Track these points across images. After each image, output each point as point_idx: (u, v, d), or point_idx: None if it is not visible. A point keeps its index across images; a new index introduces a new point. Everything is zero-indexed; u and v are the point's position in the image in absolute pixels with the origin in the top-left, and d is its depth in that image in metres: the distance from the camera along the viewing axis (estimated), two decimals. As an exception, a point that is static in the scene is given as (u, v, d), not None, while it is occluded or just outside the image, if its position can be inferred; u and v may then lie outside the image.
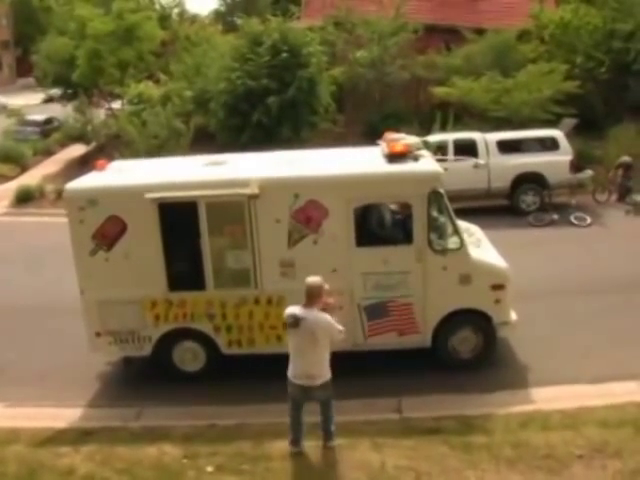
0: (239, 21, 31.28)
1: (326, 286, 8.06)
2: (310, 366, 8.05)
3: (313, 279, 8.10)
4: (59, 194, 20.72)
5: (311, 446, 8.51)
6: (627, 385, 9.67)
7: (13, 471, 8.45)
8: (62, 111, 34.85)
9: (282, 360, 10.43)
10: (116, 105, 32.72)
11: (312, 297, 8.01)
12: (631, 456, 7.94)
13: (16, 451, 8.92)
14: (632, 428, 8.50)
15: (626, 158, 19.76)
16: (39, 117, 37.32)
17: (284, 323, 10.08)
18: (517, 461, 8.02)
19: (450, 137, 19.90)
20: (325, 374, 8.12)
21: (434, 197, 9.84)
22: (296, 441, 8.43)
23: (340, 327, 8.07)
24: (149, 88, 27.78)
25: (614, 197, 19.63)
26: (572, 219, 18.03)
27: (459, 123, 23.75)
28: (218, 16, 58.03)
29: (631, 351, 10.55)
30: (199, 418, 9.52)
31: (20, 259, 17.06)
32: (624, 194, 19.46)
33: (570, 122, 21.89)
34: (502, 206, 19.35)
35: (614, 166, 19.91)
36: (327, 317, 8.00)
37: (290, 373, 8.19)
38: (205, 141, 24.39)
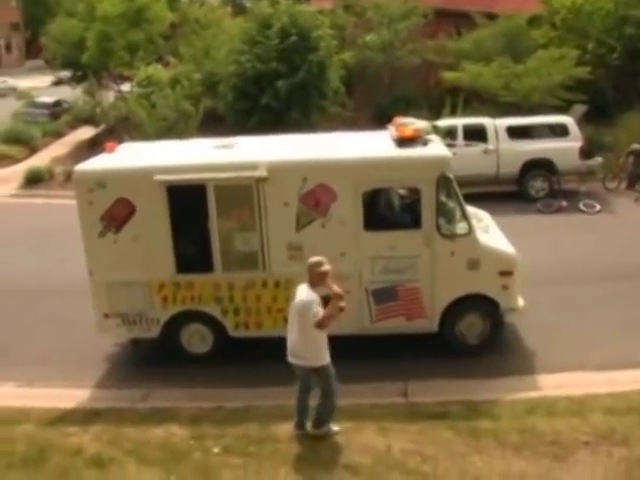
0: (248, 4, 31.19)
1: (325, 267, 7.92)
2: (293, 344, 8.10)
3: (311, 259, 8.09)
4: (68, 176, 20.74)
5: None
6: (633, 373, 9.66)
7: (22, 450, 8.52)
8: (71, 93, 34.84)
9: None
10: (125, 87, 32.69)
11: (310, 277, 7.98)
12: (637, 443, 7.94)
13: (26, 430, 8.99)
14: (638, 415, 8.49)
15: (637, 145, 19.62)
16: (48, 99, 37.34)
17: (291, 306, 10.16)
18: (523, 447, 8.03)
19: (459, 122, 19.86)
20: (311, 358, 8.04)
21: (443, 182, 9.81)
22: (300, 424, 8.47)
23: (319, 315, 7.80)
24: (158, 71, 27.73)
25: (624, 184, 19.52)
26: (581, 206, 17.96)
27: (469, 108, 23.64)
28: (227, -2, 57.77)
29: (638, 339, 10.53)
30: (206, 400, 9.57)
31: (29, 241, 17.13)
32: (634, 182, 19.35)
33: (580, 108, 21.77)
34: (511, 192, 19.26)
35: (624, 153, 19.79)
36: (308, 300, 7.86)
37: None
38: (214, 124, 24.35)
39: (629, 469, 7.54)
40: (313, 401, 8.41)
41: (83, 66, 32.28)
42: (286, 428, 8.58)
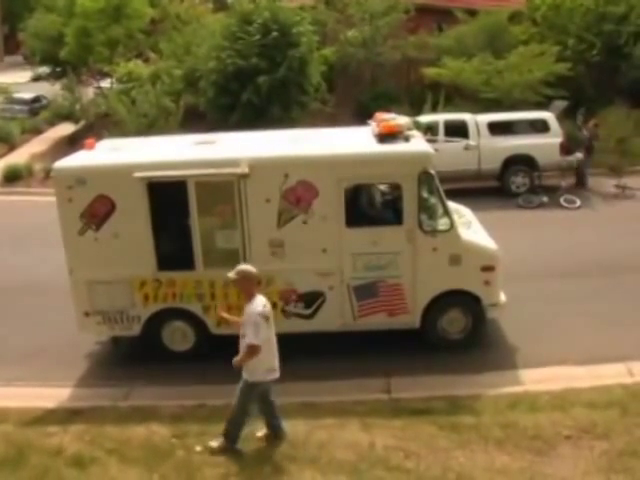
0: (229, 0, 31.02)
1: (230, 274, 7.79)
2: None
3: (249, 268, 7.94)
4: (47, 173, 20.55)
5: (300, 425, 8.52)
6: (615, 367, 9.72)
7: (1, 450, 8.41)
8: (50, 89, 34.51)
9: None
10: (105, 84, 32.41)
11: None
12: (618, 437, 8.00)
13: (4, 431, 8.89)
14: (619, 409, 8.56)
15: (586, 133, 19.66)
16: (27, 95, 36.94)
17: (273, 303, 10.13)
18: (505, 442, 8.06)
19: (441, 118, 19.91)
20: (246, 370, 7.85)
21: (425, 178, 9.81)
22: (273, 431, 8.33)
23: (235, 361, 7.77)
24: (138, 67, 27.53)
25: (572, 180, 19.46)
26: (562, 201, 18.05)
27: (450, 104, 23.70)
28: (208, -6, 57.50)
29: (619, 333, 10.61)
30: (188, 398, 9.51)
31: (7, 238, 16.95)
32: (582, 179, 19.44)
33: (560, 104, 21.87)
34: (492, 187, 19.34)
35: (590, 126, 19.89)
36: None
37: None
38: (195, 120, 24.22)
39: (610, 462, 7.58)
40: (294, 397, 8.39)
41: (62, 62, 31.93)
42: (269, 425, 8.56)
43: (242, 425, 8.08)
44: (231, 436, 8.10)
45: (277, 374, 7.99)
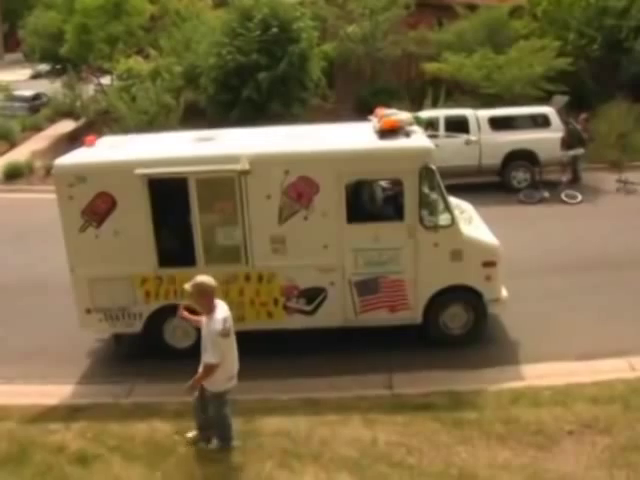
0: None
1: (186, 286, 7.56)
2: None
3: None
4: (48, 170, 20.53)
5: (302, 421, 8.53)
6: (616, 362, 9.72)
7: (4, 448, 8.42)
8: (50, 87, 34.49)
9: (273, 337, 10.47)
10: (105, 80, 32.39)
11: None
12: (620, 432, 8.00)
13: (7, 428, 8.89)
14: (621, 404, 8.56)
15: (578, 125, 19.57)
16: (27, 93, 36.94)
17: (275, 299, 10.14)
18: (507, 437, 8.06)
19: (441, 113, 19.86)
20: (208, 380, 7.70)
21: (425, 173, 9.79)
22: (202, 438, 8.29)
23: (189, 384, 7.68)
24: (138, 63, 27.47)
25: (567, 177, 19.37)
26: (563, 196, 18.03)
27: (450, 99, 23.68)
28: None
29: (620, 328, 10.61)
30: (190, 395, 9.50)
31: (8, 236, 16.94)
32: (577, 176, 19.39)
33: (561, 99, 21.82)
34: (493, 183, 19.31)
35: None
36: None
37: None
38: (195, 117, 24.21)
39: (613, 457, 7.59)
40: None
41: (62, 59, 31.89)
42: (271, 422, 8.57)
43: (229, 426, 8.02)
44: (225, 438, 8.05)
45: (235, 381, 7.86)
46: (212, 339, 7.46)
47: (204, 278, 7.59)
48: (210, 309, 7.57)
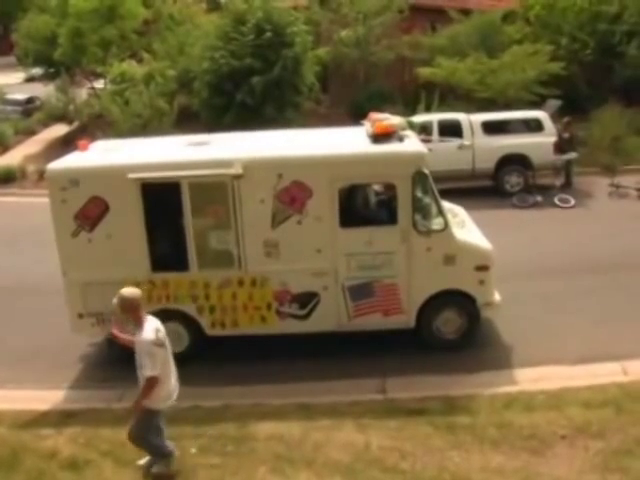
0: (223, 0, 30.99)
1: (114, 299, 7.33)
2: None
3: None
4: (41, 174, 20.45)
5: (295, 426, 8.52)
6: (610, 366, 9.73)
7: (-5, 453, 8.39)
8: (44, 90, 34.42)
9: (266, 341, 10.45)
10: (99, 84, 32.34)
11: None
12: (613, 436, 8.01)
13: (-2, 433, 8.87)
14: (614, 408, 8.57)
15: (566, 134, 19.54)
16: (20, 96, 36.84)
17: (268, 304, 10.12)
18: (501, 441, 8.06)
19: (435, 118, 19.88)
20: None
21: (419, 178, 9.80)
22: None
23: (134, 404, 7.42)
24: (132, 67, 27.41)
25: (560, 181, 19.35)
26: (556, 200, 18.04)
27: (444, 104, 23.71)
28: (202, -6, 57.39)
29: (614, 332, 10.62)
30: (183, 399, 9.40)
31: (0, 240, 16.88)
32: (570, 180, 19.40)
33: (554, 103, 21.88)
34: (486, 187, 19.32)
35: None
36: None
37: None
38: (189, 121, 24.21)
39: (606, 461, 7.59)
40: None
41: (55, 63, 31.83)
42: (264, 427, 8.55)
43: (158, 443, 7.70)
44: (161, 455, 7.76)
45: (172, 401, 7.61)
46: (147, 351, 7.20)
47: (127, 292, 7.35)
48: (139, 321, 7.35)
